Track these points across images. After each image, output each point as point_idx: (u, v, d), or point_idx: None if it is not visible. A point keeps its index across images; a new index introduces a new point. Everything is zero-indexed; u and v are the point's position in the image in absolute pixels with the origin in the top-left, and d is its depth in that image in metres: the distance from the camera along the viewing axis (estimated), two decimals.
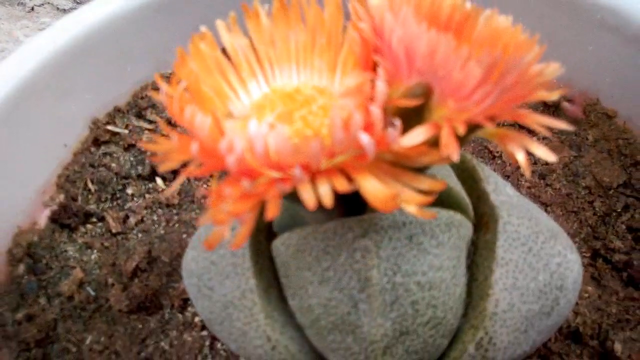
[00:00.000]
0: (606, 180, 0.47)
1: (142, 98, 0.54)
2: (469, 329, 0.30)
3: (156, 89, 0.56)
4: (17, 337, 0.40)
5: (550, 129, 0.23)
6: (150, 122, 0.53)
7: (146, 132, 0.53)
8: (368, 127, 0.21)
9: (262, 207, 0.22)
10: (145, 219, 0.49)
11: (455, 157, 0.22)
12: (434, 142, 0.22)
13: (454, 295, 0.29)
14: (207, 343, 0.41)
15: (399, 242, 0.28)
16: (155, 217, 0.49)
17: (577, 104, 0.51)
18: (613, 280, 0.42)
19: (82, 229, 0.48)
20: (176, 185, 0.24)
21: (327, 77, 0.27)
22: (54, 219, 0.48)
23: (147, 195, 0.51)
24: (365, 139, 0.20)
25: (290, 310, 0.32)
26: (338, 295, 0.29)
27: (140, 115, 0.53)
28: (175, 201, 0.50)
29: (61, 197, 0.49)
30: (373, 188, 0.21)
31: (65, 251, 0.47)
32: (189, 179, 0.52)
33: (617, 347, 0.38)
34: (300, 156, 0.21)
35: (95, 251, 0.47)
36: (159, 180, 0.51)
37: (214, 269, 0.33)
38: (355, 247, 0.28)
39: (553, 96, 0.24)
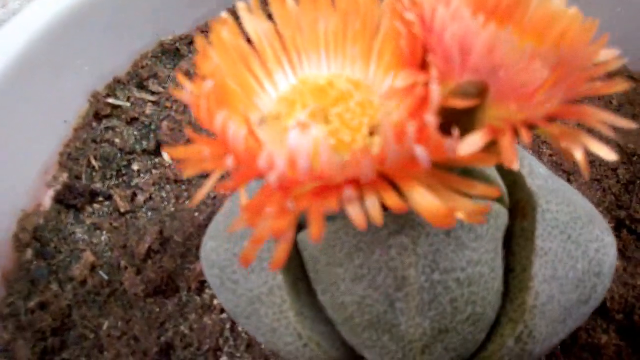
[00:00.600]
0: (630, 146, 0.46)
1: (142, 67, 0.51)
2: (507, 322, 0.29)
3: (156, 56, 0.52)
4: (32, 326, 0.39)
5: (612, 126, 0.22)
6: (153, 93, 0.50)
7: (149, 104, 0.50)
8: (420, 133, 0.19)
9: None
10: (153, 195, 0.47)
11: (516, 166, 0.20)
12: (488, 144, 0.21)
13: (492, 290, 0.28)
14: (228, 326, 0.40)
15: (436, 238, 0.27)
16: (163, 194, 0.48)
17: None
18: (638, 252, 0.41)
19: (89, 209, 0.46)
20: (205, 191, 0.22)
21: (360, 66, 0.25)
22: (58, 199, 0.46)
23: (153, 171, 0.49)
24: (420, 152, 0.18)
25: (320, 303, 0.31)
26: (373, 293, 0.27)
27: (141, 86, 0.50)
28: (184, 176, 0.48)
29: (64, 176, 0.47)
30: (427, 203, 0.19)
31: (73, 233, 0.45)
32: None
33: None
34: (349, 172, 0.19)
35: (104, 232, 0.45)
36: (165, 155, 0.49)
37: (238, 262, 0.32)
38: (390, 243, 0.27)
39: (615, 88, 0.22)
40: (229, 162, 0.19)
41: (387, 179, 0.20)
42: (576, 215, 0.31)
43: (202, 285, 0.42)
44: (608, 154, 0.22)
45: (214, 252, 0.33)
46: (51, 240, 0.44)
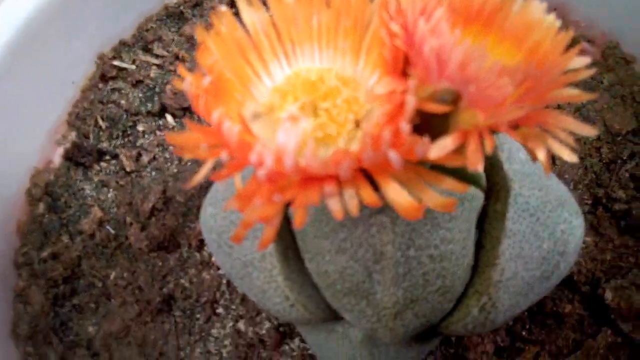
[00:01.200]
0: (616, 127, 0.48)
1: (147, 30, 0.52)
2: (473, 294, 0.32)
3: (160, 19, 0.54)
4: (44, 275, 0.43)
5: (573, 133, 0.24)
6: (157, 56, 0.52)
7: (153, 67, 0.52)
8: (395, 138, 0.21)
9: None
10: (157, 156, 0.50)
11: (481, 169, 0.22)
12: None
13: (462, 265, 0.31)
14: (224, 281, 0.44)
15: None
16: (167, 155, 0.50)
17: (596, 45, 0.50)
18: (610, 228, 0.44)
19: (97, 167, 0.49)
20: (200, 178, 0.25)
21: (350, 59, 0.27)
22: (68, 157, 0.48)
23: (157, 132, 0.51)
24: (393, 156, 0.21)
25: (306, 269, 0.34)
26: (354, 264, 0.30)
27: (146, 49, 0.52)
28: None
29: (73, 135, 0.49)
30: (398, 197, 0.22)
31: (82, 189, 0.48)
32: (199, 116, 0.51)
33: (608, 294, 0.40)
34: (330, 169, 0.21)
35: (111, 189, 0.48)
36: (168, 117, 0.51)
37: (234, 228, 0.35)
38: (372, 222, 0.30)
39: (582, 98, 0.24)
40: (223, 155, 0.22)
41: (365, 173, 0.22)
42: (547, 200, 0.33)
43: (202, 243, 0.46)
44: (570, 156, 0.24)
45: (212, 218, 0.36)
46: (62, 196, 0.47)
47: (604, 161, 0.47)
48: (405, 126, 0.21)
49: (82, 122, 0.50)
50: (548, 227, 0.33)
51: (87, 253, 0.45)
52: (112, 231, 0.46)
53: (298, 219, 0.22)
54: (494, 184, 0.34)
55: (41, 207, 0.46)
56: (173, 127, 0.51)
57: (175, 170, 0.49)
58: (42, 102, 0.47)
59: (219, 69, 0.25)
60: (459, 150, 0.23)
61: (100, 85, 0.50)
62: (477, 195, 0.32)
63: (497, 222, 0.33)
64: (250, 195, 0.22)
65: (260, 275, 0.33)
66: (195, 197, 0.47)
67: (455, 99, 0.23)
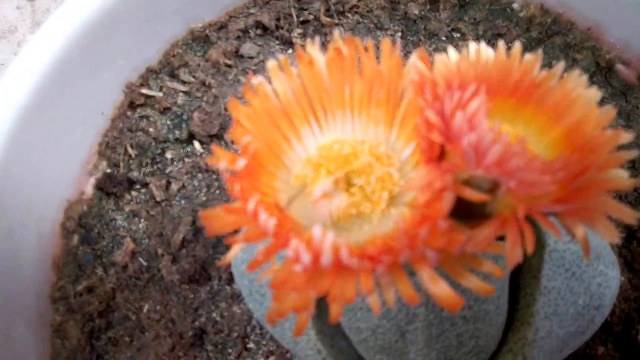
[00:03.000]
0: None
1: (173, 56, 0.52)
2: (507, 352, 0.32)
3: (186, 43, 0.53)
4: (81, 309, 0.44)
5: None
6: (184, 82, 0.52)
7: (180, 94, 0.52)
8: (433, 232, 0.21)
9: None
10: (186, 184, 0.50)
11: (520, 259, 0.22)
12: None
13: (496, 325, 0.31)
14: (255, 316, 0.44)
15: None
16: (196, 183, 0.50)
17: (632, 68, 0.48)
18: None
19: (127, 197, 0.50)
20: (232, 255, 0.25)
21: (383, 129, 0.26)
22: (99, 187, 0.49)
23: (186, 159, 0.51)
24: (431, 255, 0.20)
25: (340, 323, 0.34)
26: (386, 324, 0.30)
27: (173, 75, 0.52)
28: (215, 166, 0.50)
29: (104, 165, 0.50)
30: (436, 287, 0.22)
31: (114, 219, 0.49)
32: (226, 142, 0.52)
33: None
34: (366, 266, 0.21)
35: (142, 219, 0.49)
36: (196, 144, 0.52)
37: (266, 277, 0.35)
38: None
39: (630, 184, 0.23)
40: (260, 247, 0.22)
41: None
42: (582, 253, 0.33)
43: (232, 276, 0.46)
44: (611, 236, 0.24)
45: (244, 264, 0.36)
46: (95, 227, 0.48)
47: (639, 190, 0.46)
48: (443, 224, 0.20)
49: (112, 151, 0.50)
50: (584, 281, 0.32)
51: (120, 285, 0.46)
52: (145, 263, 0.47)
53: (334, 313, 0.22)
54: None
55: (75, 239, 0.47)
56: (201, 154, 0.51)
57: (204, 199, 0.50)
58: (73, 134, 0.47)
59: (254, 148, 0.25)
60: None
61: (129, 114, 0.51)
62: None
63: (531, 279, 0.32)
64: (284, 282, 0.22)
65: (293, 327, 0.34)
66: None
67: (493, 186, 0.23)
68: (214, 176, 0.51)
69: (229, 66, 0.52)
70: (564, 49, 0.50)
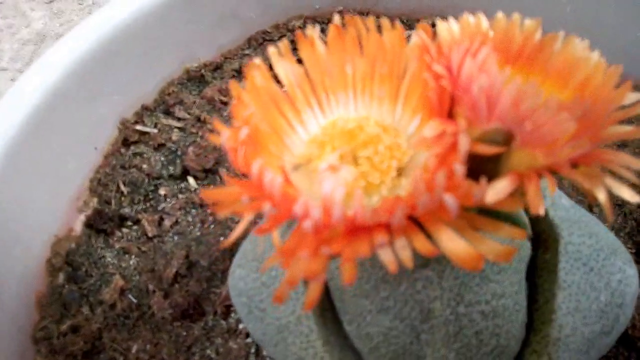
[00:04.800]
0: None
1: (168, 94, 0.52)
2: (531, 354, 0.30)
3: (182, 83, 0.54)
4: (64, 350, 0.41)
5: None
6: (179, 119, 0.52)
7: (175, 130, 0.51)
8: (448, 181, 0.20)
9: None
10: (179, 220, 0.49)
11: (542, 212, 0.21)
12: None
13: (516, 322, 0.29)
14: (253, 351, 0.41)
15: (461, 272, 0.28)
16: (189, 218, 0.49)
17: None
18: None
19: (118, 234, 0.48)
20: (237, 234, 0.23)
21: (387, 106, 0.26)
22: (89, 224, 0.47)
23: (179, 196, 0.50)
24: (450, 201, 0.19)
25: (346, 332, 0.32)
26: (399, 325, 0.28)
27: (168, 113, 0.52)
28: (218, 216, 0.49)
29: (94, 202, 0.48)
30: (456, 247, 0.20)
31: (104, 257, 0.47)
32: (221, 177, 0.51)
33: None
34: (380, 218, 0.20)
35: (133, 256, 0.47)
36: (190, 180, 0.51)
37: (266, 291, 0.33)
38: (417, 277, 0.28)
39: (636, 134, 0.22)
40: (267, 207, 0.20)
41: (416, 222, 0.21)
42: (599, 247, 0.31)
43: (228, 309, 0.43)
44: (631, 196, 0.23)
45: (242, 281, 0.34)
46: (82, 265, 0.46)
47: None
48: (459, 168, 0.19)
49: (104, 187, 0.49)
50: (603, 277, 0.31)
51: (108, 325, 0.43)
52: (134, 300, 0.44)
53: (347, 274, 0.20)
54: (540, 232, 0.32)
55: (61, 277, 0.45)
56: (195, 190, 0.50)
57: (198, 234, 0.48)
58: (65, 168, 0.46)
59: (255, 121, 0.24)
60: (513, 194, 0.22)
61: (122, 151, 0.50)
62: (524, 245, 0.30)
63: (548, 274, 0.31)
64: (294, 249, 0.21)
65: (297, 340, 0.31)
66: (220, 261, 0.45)
67: (507, 140, 0.22)
68: (209, 211, 0.49)
69: (224, 103, 0.53)
70: None
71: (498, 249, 0.21)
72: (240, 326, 0.43)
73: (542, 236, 0.32)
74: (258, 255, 0.34)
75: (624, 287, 0.31)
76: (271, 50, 0.27)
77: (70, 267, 0.45)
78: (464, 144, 0.20)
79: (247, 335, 0.42)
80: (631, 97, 0.24)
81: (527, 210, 0.33)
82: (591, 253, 0.31)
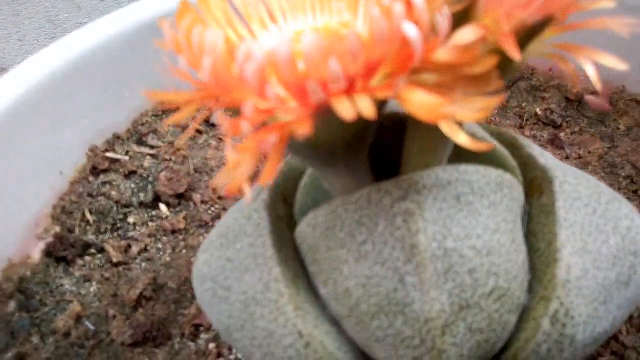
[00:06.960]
0: None
1: (142, 124, 0.51)
2: (538, 302, 0.25)
3: (156, 114, 0.53)
4: None
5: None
6: (152, 147, 0.50)
7: (147, 157, 0.49)
8: (408, 12, 0.18)
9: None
10: (148, 247, 0.45)
11: (518, 56, 0.18)
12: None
13: (516, 263, 0.25)
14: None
15: (445, 203, 0.24)
16: (159, 245, 0.45)
17: (602, 95, 0.48)
18: None
19: (80, 262, 0.44)
20: (186, 136, 0.20)
21: (347, 17, 0.25)
22: (48, 252, 0.43)
23: (150, 223, 0.47)
24: (410, 30, 0.17)
25: (323, 302, 0.27)
26: (379, 270, 0.24)
27: (141, 142, 0.50)
28: (182, 225, 0.46)
29: (56, 229, 0.44)
30: (418, 97, 0.18)
31: (61, 285, 0.42)
32: (194, 203, 0.48)
33: None
34: (336, 58, 0.17)
35: (94, 283, 0.42)
36: (162, 207, 0.47)
37: (230, 265, 0.29)
38: (395, 212, 0.24)
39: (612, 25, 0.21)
40: (206, 62, 0.18)
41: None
42: (599, 190, 0.28)
43: (197, 329, 0.38)
44: (617, 63, 0.21)
45: (205, 265, 0.30)
46: (37, 293, 0.41)
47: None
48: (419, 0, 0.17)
49: (68, 215, 0.46)
50: (609, 220, 0.27)
51: (59, 355, 0.38)
52: (92, 327, 0.39)
53: (302, 127, 0.17)
54: (533, 179, 0.29)
55: (11, 305, 0.40)
56: (166, 217, 0.47)
57: (168, 259, 0.44)
58: (24, 191, 0.43)
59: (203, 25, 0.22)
60: (481, 77, 0.20)
61: (91, 178, 0.48)
62: (515, 185, 0.27)
63: (546, 217, 0.27)
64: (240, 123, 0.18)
65: (264, 310, 0.26)
66: (189, 280, 0.41)
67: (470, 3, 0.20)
68: (181, 236, 0.46)
69: (199, 132, 0.51)
70: (531, 91, 0.51)
71: (469, 113, 0.18)
72: (211, 346, 0.37)
73: (535, 182, 0.29)
74: (222, 233, 0.31)
75: (634, 235, 0.28)
76: None
77: (22, 294, 0.41)
78: None
79: (219, 355, 0.37)
80: None
81: (514, 154, 0.30)
82: (591, 194, 0.28)
